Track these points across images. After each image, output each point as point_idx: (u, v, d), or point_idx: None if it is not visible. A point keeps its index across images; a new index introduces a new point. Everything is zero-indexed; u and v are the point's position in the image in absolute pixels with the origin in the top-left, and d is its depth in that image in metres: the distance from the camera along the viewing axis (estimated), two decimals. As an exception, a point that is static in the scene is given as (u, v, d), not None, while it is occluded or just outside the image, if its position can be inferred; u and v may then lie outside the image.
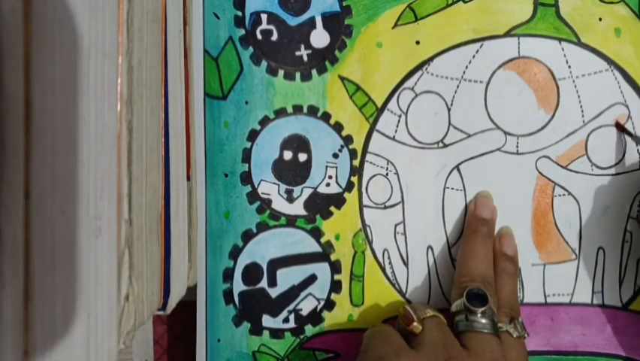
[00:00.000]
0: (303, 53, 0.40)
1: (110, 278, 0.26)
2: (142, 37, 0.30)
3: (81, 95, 0.24)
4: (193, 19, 0.40)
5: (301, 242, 0.41)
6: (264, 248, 0.40)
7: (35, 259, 0.21)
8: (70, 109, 0.23)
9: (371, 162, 0.41)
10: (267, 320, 0.41)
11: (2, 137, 0.20)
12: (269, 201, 0.40)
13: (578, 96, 0.40)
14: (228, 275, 0.40)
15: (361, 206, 0.41)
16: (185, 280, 0.38)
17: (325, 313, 0.41)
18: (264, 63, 0.40)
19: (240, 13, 0.40)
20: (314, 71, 0.40)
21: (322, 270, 0.40)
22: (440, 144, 0.40)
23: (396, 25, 0.40)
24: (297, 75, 0.40)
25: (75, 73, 0.24)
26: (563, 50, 0.40)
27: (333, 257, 0.41)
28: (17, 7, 0.20)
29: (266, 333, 0.41)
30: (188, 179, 0.38)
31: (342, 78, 0.40)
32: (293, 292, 0.40)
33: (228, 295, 0.40)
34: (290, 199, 0.41)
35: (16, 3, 0.20)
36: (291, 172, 0.40)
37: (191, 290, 0.39)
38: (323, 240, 0.41)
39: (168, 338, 0.43)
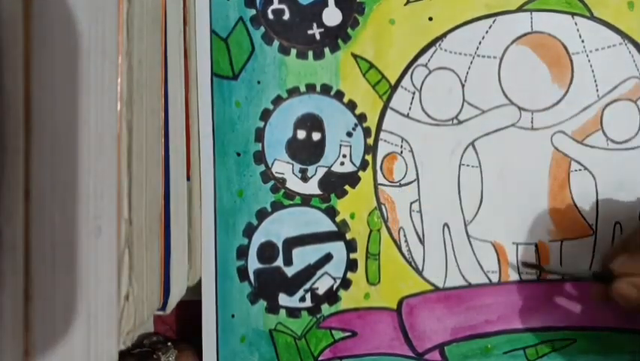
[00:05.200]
0: (316, 31, 0.40)
1: (110, 278, 0.26)
2: (142, 37, 0.30)
3: (81, 95, 0.24)
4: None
5: (316, 221, 0.40)
6: (278, 227, 0.40)
7: (35, 259, 0.21)
8: (70, 109, 0.23)
9: (385, 140, 0.40)
10: (284, 299, 0.40)
11: (2, 137, 0.20)
12: (283, 181, 0.40)
13: (592, 70, 0.40)
14: (243, 252, 0.40)
15: (376, 184, 0.40)
16: (185, 280, 0.37)
17: (342, 292, 0.40)
18: (276, 43, 0.40)
19: (251, -6, 0.40)
20: (326, 50, 0.40)
21: (338, 249, 0.40)
22: (455, 121, 0.40)
23: (408, 1, 0.40)
24: (310, 54, 0.40)
25: (75, 73, 0.24)
26: (576, 24, 0.40)
27: (348, 236, 0.40)
28: (17, 7, 0.20)
29: (282, 312, 0.40)
30: (188, 179, 0.38)
31: (354, 56, 0.40)
32: (309, 271, 0.40)
33: (243, 272, 0.40)
34: (304, 178, 0.40)
35: (16, 3, 0.20)
36: (305, 151, 0.40)
37: (191, 290, 0.38)
38: (338, 219, 0.40)
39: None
